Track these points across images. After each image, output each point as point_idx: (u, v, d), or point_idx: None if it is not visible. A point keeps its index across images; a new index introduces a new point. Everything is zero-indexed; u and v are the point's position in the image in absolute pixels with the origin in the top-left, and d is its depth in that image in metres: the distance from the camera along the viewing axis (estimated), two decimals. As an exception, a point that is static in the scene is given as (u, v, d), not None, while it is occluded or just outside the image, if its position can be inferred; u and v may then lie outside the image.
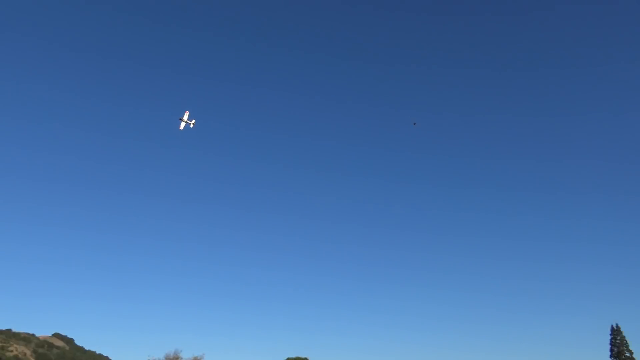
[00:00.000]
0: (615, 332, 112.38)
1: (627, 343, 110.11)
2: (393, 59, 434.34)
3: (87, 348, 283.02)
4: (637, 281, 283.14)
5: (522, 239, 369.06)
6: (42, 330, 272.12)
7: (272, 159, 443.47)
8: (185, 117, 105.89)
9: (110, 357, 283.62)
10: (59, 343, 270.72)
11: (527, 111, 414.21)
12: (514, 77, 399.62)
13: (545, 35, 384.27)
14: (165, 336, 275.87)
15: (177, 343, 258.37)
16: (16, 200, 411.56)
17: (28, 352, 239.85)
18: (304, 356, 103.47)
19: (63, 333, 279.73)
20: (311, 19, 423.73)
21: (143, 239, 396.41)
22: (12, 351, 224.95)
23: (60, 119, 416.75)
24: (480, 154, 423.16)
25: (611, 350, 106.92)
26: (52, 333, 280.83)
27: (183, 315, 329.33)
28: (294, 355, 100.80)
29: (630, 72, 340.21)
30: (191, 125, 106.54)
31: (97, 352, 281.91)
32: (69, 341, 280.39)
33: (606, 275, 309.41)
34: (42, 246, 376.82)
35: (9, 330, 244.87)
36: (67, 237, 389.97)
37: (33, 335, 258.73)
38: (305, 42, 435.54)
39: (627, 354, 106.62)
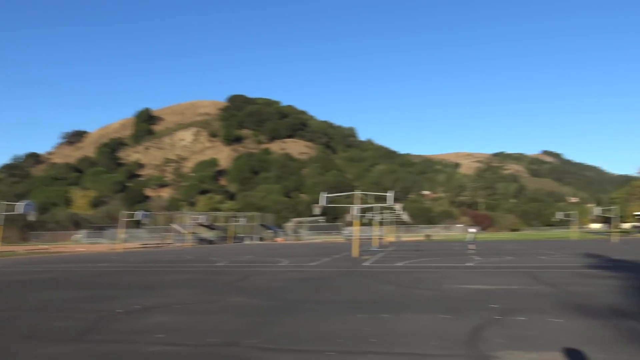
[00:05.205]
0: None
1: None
2: None
3: (575, 161, 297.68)
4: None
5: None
6: (531, 149, 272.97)
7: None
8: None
9: (601, 167, 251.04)
10: (548, 159, 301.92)
11: None
12: None
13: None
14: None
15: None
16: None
17: (521, 170, 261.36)
18: None
19: (551, 150, 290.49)
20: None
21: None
22: (507, 170, 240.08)
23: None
24: None
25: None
26: (541, 151, 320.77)
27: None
28: None
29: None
30: None
31: (587, 164, 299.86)
32: (557, 156, 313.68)
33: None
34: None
35: (502, 152, 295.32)
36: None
37: (523, 154, 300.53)
38: None
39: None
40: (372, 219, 45.98)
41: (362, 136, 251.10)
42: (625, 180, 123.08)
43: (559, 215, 73.86)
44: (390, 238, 61.80)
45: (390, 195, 29.40)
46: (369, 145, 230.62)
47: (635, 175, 76.49)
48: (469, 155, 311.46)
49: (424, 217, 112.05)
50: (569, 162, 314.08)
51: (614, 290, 11.15)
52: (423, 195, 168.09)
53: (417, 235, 76.34)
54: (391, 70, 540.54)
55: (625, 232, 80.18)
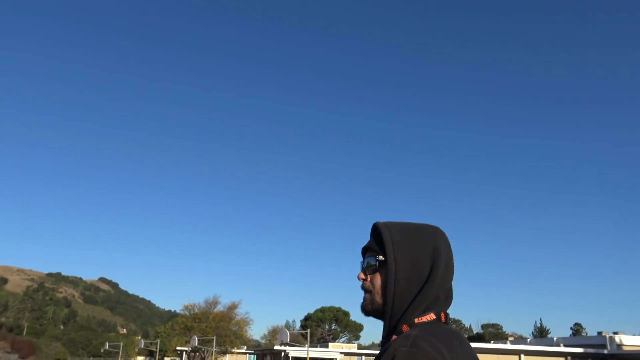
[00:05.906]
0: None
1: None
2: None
3: (130, 292, 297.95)
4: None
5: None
6: (89, 275, 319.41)
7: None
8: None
9: (152, 301, 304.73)
10: (104, 287, 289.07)
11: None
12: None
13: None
14: (204, 282, 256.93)
15: (216, 289, 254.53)
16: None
17: (76, 295, 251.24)
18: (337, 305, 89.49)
19: (108, 278, 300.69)
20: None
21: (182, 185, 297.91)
22: (61, 293, 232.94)
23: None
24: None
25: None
26: (99, 277, 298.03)
27: (222, 261, 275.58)
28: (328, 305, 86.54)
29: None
30: None
31: (140, 296, 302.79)
32: (114, 285, 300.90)
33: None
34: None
35: (59, 273, 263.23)
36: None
37: (80, 278, 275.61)
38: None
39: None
40: None
41: None
42: (172, 315, 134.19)
43: (107, 346, 75.02)
44: None
45: None
46: None
47: (180, 312, 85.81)
48: (21, 271, 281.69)
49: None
50: (124, 293, 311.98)
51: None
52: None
53: None
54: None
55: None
